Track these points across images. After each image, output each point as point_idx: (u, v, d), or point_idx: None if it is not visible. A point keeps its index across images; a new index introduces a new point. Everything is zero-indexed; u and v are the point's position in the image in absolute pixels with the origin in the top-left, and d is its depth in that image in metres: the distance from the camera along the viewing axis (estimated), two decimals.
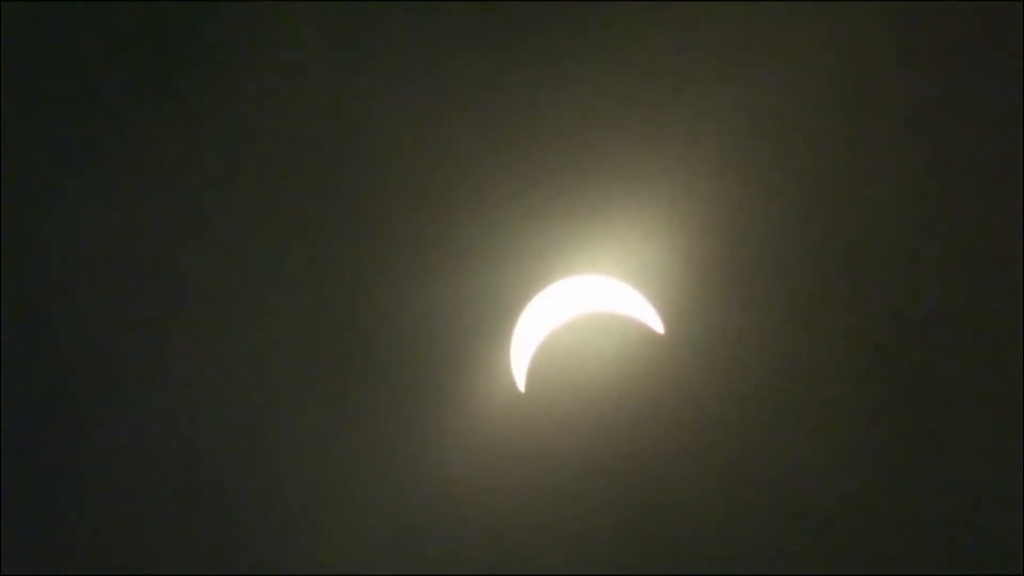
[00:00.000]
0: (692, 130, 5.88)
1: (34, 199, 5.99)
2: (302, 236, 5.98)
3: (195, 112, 5.99)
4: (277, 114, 6.00)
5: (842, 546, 5.77)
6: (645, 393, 5.85)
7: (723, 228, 5.88)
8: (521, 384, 5.87)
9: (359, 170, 5.98)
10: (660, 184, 5.87)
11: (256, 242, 5.98)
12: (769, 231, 5.89)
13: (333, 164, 5.99)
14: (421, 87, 5.96)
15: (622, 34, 5.97)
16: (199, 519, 5.90)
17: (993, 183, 5.87)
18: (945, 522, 5.69)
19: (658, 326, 5.85)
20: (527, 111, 5.92)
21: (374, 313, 5.94)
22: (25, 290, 5.97)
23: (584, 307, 5.83)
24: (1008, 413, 5.72)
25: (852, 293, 5.88)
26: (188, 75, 6.01)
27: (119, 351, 5.95)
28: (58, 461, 5.91)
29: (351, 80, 5.98)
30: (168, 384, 5.94)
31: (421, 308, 5.91)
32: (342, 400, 5.93)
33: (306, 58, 6.01)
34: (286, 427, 5.94)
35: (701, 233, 5.87)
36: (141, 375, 5.94)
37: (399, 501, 5.88)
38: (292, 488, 5.91)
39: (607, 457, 5.87)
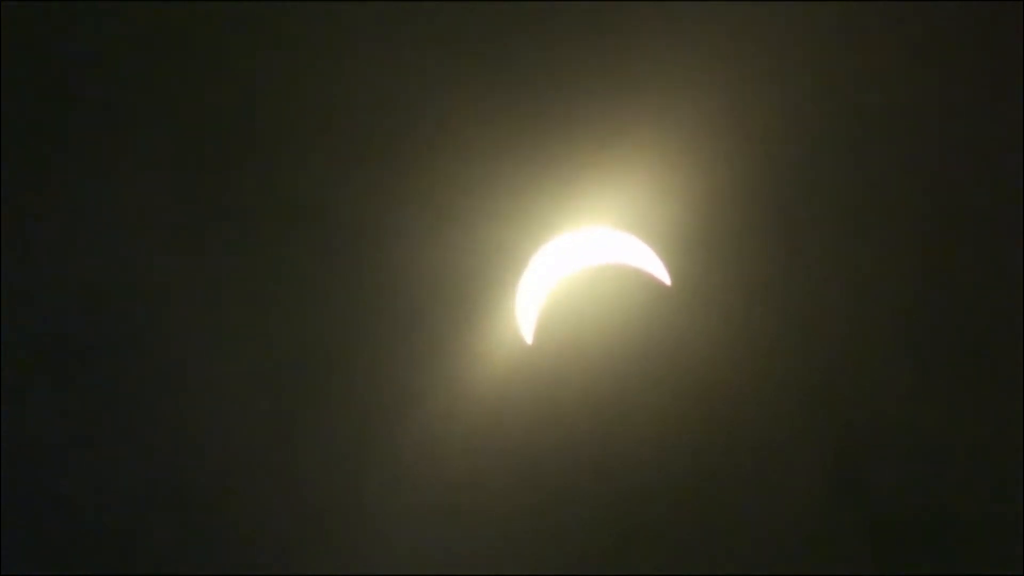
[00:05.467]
0: (701, 83, 5.87)
1: None
2: (307, 188, 5.96)
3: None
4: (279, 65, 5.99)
5: (855, 498, 5.80)
6: (651, 345, 5.85)
7: (730, 180, 5.88)
8: (528, 336, 5.87)
9: (364, 121, 5.96)
10: (667, 136, 5.86)
11: (262, 195, 5.97)
12: (776, 183, 5.90)
13: (339, 114, 5.97)
14: (428, 37, 5.95)
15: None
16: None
17: (993, 176, 5.91)
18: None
19: (665, 278, 5.86)
20: (536, 61, 5.91)
21: (380, 266, 5.93)
22: None
23: (591, 259, 5.83)
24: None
25: (858, 244, 5.90)
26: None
27: None
28: None
29: (355, 30, 5.96)
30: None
31: (427, 261, 5.90)
32: (347, 350, 5.92)
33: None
34: (293, 381, 5.93)
35: (708, 185, 5.86)
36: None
37: (406, 453, 5.88)
38: (302, 442, 5.91)
39: (614, 410, 5.87)
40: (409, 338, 5.92)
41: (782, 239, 5.90)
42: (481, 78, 5.92)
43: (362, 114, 5.94)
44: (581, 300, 5.84)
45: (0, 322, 5.82)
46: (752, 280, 5.89)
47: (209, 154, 5.92)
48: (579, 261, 5.83)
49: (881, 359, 5.88)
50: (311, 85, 5.93)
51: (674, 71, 5.89)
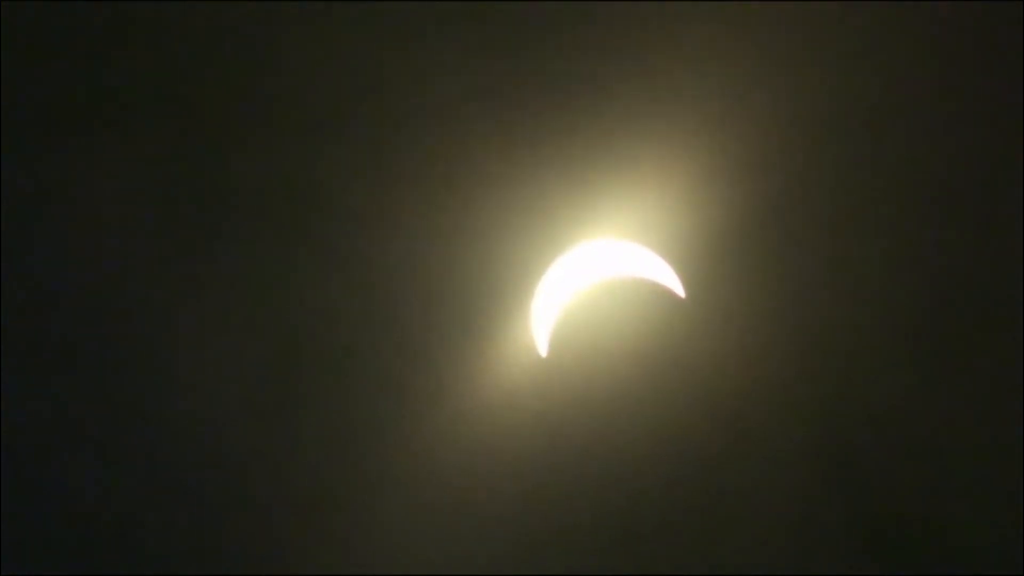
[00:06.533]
0: (716, 96, 5.88)
1: None
2: (319, 198, 5.98)
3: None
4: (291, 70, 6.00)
5: (867, 511, 5.79)
6: (666, 357, 5.85)
7: (744, 193, 5.88)
8: (542, 349, 5.88)
9: (379, 131, 5.98)
10: (681, 149, 5.87)
11: (267, 205, 5.98)
12: (790, 195, 5.90)
13: (352, 123, 5.99)
14: (441, 48, 5.97)
15: (644, 5, 5.97)
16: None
17: (995, 179, 5.90)
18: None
19: (679, 290, 5.86)
20: (553, 72, 5.92)
21: (393, 277, 5.94)
22: None
23: (605, 271, 5.84)
24: None
25: (873, 254, 5.89)
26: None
27: None
28: None
29: (369, 38, 5.97)
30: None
31: (442, 272, 5.92)
32: (360, 361, 5.94)
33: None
34: (301, 389, 5.95)
35: (722, 198, 5.87)
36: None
37: (421, 465, 5.89)
38: (310, 449, 5.93)
39: (627, 421, 5.87)
40: (423, 349, 5.93)
41: (795, 251, 5.90)
42: (497, 89, 5.94)
43: (376, 120, 5.96)
44: (596, 312, 5.85)
45: None
46: (765, 291, 5.88)
47: (209, 151, 5.94)
48: (594, 273, 5.84)
49: (892, 368, 5.87)
50: (323, 85, 5.96)
51: (690, 85, 5.89)
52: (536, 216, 5.89)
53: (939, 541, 5.75)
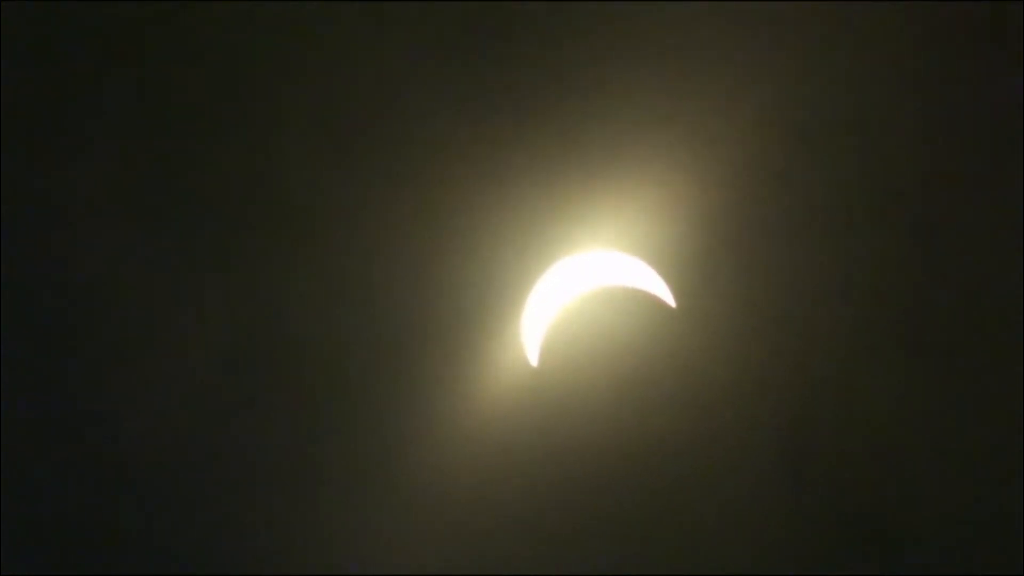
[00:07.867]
0: (702, 104, 5.90)
1: None
2: (313, 211, 5.98)
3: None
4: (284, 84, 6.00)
5: (857, 512, 5.81)
6: (657, 367, 5.87)
7: (732, 201, 5.90)
8: (533, 359, 5.89)
9: (370, 142, 5.99)
10: (669, 159, 5.89)
11: (265, 218, 5.98)
12: (778, 204, 5.92)
13: (342, 138, 6.00)
14: (433, 64, 5.99)
15: (631, 17, 6.00)
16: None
17: (995, 183, 5.93)
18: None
19: (669, 300, 5.88)
20: (538, 86, 5.95)
21: (384, 288, 5.95)
22: None
23: (596, 281, 5.86)
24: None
25: (863, 262, 5.92)
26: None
27: None
28: None
29: (365, 39, 5.98)
30: None
31: (432, 283, 5.93)
32: (350, 374, 5.94)
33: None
34: (294, 404, 5.95)
35: (710, 207, 5.89)
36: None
37: (413, 475, 5.89)
38: (304, 463, 5.92)
39: (619, 432, 5.88)
40: (414, 360, 5.93)
41: (784, 259, 5.92)
42: (484, 100, 5.96)
43: (368, 129, 5.97)
44: (586, 322, 5.87)
45: None
46: (755, 300, 5.90)
47: (199, 149, 5.94)
48: (584, 283, 5.86)
49: (882, 375, 5.89)
50: (317, 83, 5.95)
51: (677, 93, 5.92)
52: (526, 226, 5.90)
53: (927, 541, 5.77)
